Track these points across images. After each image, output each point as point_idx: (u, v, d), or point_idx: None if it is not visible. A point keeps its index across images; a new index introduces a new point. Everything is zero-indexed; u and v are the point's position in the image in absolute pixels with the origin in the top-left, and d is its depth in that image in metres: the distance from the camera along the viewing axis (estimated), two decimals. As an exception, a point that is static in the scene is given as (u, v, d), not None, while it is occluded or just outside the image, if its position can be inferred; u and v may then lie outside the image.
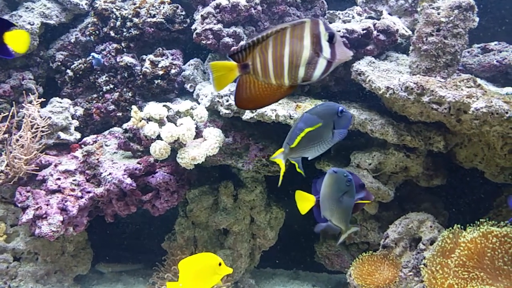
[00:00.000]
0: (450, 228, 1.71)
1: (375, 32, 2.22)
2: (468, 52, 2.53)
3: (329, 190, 1.30)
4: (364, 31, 2.18)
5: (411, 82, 1.84)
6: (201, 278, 1.40)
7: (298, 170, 1.27)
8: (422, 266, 1.69)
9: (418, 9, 2.11)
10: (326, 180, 1.30)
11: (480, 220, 1.69)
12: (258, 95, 1.07)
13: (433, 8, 2.02)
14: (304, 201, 1.39)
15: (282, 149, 1.22)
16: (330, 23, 2.54)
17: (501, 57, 2.40)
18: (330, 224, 1.35)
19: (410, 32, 2.35)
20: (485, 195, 2.24)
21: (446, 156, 2.11)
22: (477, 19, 2.08)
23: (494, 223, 1.65)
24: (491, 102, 1.69)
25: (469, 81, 1.84)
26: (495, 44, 2.51)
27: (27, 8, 2.48)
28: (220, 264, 1.41)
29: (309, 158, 1.27)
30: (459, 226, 1.69)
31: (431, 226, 1.86)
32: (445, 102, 1.77)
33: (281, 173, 1.23)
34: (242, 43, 1.01)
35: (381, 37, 2.21)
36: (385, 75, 2.05)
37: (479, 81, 1.86)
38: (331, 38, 1.00)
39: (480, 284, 1.51)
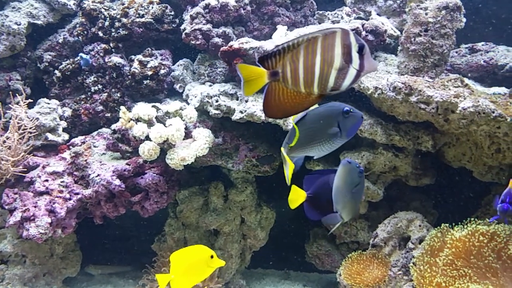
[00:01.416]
0: (439, 227, 1.72)
1: (363, 33, 2.23)
2: (456, 52, 2.55)
3: (343, 182, 1.29)
4: (353, 32, 2.18)
5: (399, 82, 1.85)
6: (193, 271, 1.39)
7: (288, 172, 1.27)
8: (411, 265, 1.70)
9: (406, 10, 2.12)
10: (340, 172, 1.28)
11: (469, 218, 1.70)
12: (287, 103, 1.06)
13: (421, 8, 2.04)
14: (295, 196, 1.40)
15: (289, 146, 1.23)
16: (319, 23, 2.55)
17: (488, 57, 2.42)
18: (335, 216, 1.35)
19: (399, 33, 2.36)
20: (474, 194, 2.26)
21: (434, 156, 2.13)
22: (464, 19, 2.10)
23: (482, 222, 1.67)
24: (478, 101, 1.70)
25: (457, 81, 1.86)
26: (483, 45, 2.53)
27: (13, 8, 2.45)
28: (212, 257, 1.40)
29: (315, 158, 1.26)
30: (447, 225, 1.70)
31: (420, 225, 1.87)
32: (433, 102, 1.79)
33: (290, 170, 1.22)
34: (270, 49, 0.99)
35: (370, 37, 2.22)
36: (374, 75, 2.06)
37: (466, 81, 1.88)
38: (360, 49, 1.00)
39: (468, 282, 1.52)
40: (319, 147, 1.21)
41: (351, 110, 1.18)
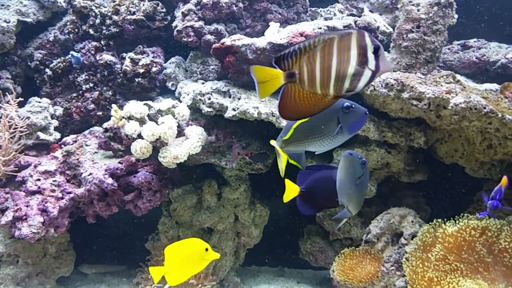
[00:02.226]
0: (431, 222, 1.73)
1: (356, 29, 2.22)
2: (449, 49, 2.56)
3: (346, 174, 1.27)
4: (345, 28, 2.19)
5: (391, 78, 1.86)
6: (187, 263, 1.38)
7: (292, 163, 1.27)
8: (404, 260, 1.70)
9: (399, 6, 2.13)
10: (342, 164, 1.28)
11: (461, 214, 1.71)
12: (302, 105, 1.05)
13: (413, 5, 2.04)
14: (288, 190, 1.40)
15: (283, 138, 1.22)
16: (312, 20, 2.55)
17: (480, 53, 2.43)
18: (345, 212, 1.34)
19: (391, 29, 2.36)
20: (466, 190, 2.27)
21: (427, 152, 2.14)
22: (456, 15, 2.10)
23: (473, 216, 1.68)
24: (470, 97, 1.71)
25: (449, 77, 1.86)
26: (475, 41, 2.55)
27: (2, 5, 2.42)
28: (206, 250, 1.39)
29: (316, 153, 1.26)
30: (439, 220, 1.71)
31: (412, 221, 1.88)
32: (425, 98, 1.79)
33: (283, 162, 1.22)
34: (287, 49, 0.98)
35: (362, 34, 2.22)
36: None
37: (458, 77, 1.89)
38: (376, 50, 1.00)
39: (459, 276, 1.53)
40: (319, 142, 1.20)
41: (352, 105, 1.17)
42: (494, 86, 2.14)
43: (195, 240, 1.41)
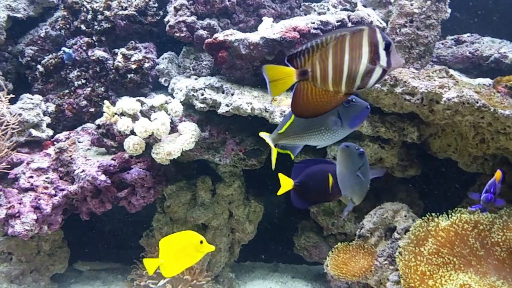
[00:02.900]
0: (424, 216, 1.73)
1: (349, 24, 2.22)
2: (442, 43, 2.56)
3: (345, 166, 1.27)
4: (339, 23, 2.18)
5: (384, 73, 1.85)
6: (182, 255, 1.38)
7: (286, 152, 1.26)
8: (397, 254, 1.71)
9: (392, 1, 2.12)
10: (340, 157, 1.27)
11: (454, 209, 1.71)
12: (315, 102, 1.05)
13: (406, -1, 2.03)
14: (283, 184, 1.40)
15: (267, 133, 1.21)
16: (305, 15, 2.54)
17: (474, 48, 2.43)
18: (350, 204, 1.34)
19: (384, 24, 2.35)
20: (459, 185, 2.28)
21: (420, 147, 2.14)
22: (449, 10, 2.10)
23: (466, 210, 1.68)
24: (463, 92, 1.71)
25: (442, 72, 1.86)
26: (468, 36, 2.55)
27: (-8, 1, 2.40)
28: (201, 242, 1.39)
29: (317, 147, 1.25)
30: (432, 214, 1.72)
31: (405, 216, 1.88)
32: (418, 93, 1.79)
33: (274, 155, 1.22)
34: (299, 48, 0.98)
35: (356, 28, 2.21)
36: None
37: (452, 72, 1.89)
38: (387, 47, 1.00)
39: (452, 270, 1.54)
40: (318, 136, 1.19)
41: (353, 99, 1.16)
42: (487, 80, 2.14)
43: (190, 233, 1.40)
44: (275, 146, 1.22)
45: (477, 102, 1.68)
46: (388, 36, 2.04)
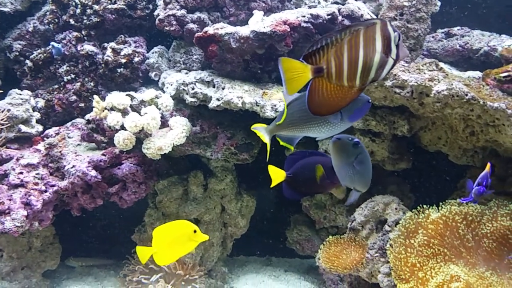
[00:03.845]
0: (414, 209, 1.74)
1: (340, 17, 2.21)
2: (433, 37, 2.57)
3: (339, 158, 1.27)
4: (329, 16, 2.17)
5: (374, 66, 1.85)
6: (175, 244, 1.37)
7: (283, 144, 1.26)
8: (388, 246, 1.72)
9: (382, -6, 2.12)
10: (332, 149, 1.27)
11: (445, 201, 1.72)
12: (330, 98, 1.05)
13: (396, -8, 2.03)
14: (274, 176, 1.40)
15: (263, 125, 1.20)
16: (296, 8, 2.53)
17: (464, 41, 2.45)
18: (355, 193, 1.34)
19: (375, 17, 2.35)
20: (449, 177, 2.30)
21: (411, 140, 2.15)
22: (439, 3, 2.11)
23: (456, 202, 1.70)
24: (452, 84, 1.71)
25: (432, 65, 1.87)
26: (458, 29, 2.56)
27: (-22, -5, 2.36)
28: (195, 231, 1.39)
29: (317, 139, 1.25)
30: (423, 207, 1.73)
31: (396, 208, 1.89)
32: (408, 86, 1.79)
33: (267, 147, 1.22)
34: (314, 45, 0.98)
35: (346, 22, 2.21)
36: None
37: (442, 65, 1.89)
38: (397, 39, 1.01)
39: (441, 261, 1.55)
40: (318, 128, 1.19)
41: None
42: (477, 73, 2.15)
43: (184, 222, 1.40)
44: (274, 137, 1.23)
45: (466, 95, 1.69)
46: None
